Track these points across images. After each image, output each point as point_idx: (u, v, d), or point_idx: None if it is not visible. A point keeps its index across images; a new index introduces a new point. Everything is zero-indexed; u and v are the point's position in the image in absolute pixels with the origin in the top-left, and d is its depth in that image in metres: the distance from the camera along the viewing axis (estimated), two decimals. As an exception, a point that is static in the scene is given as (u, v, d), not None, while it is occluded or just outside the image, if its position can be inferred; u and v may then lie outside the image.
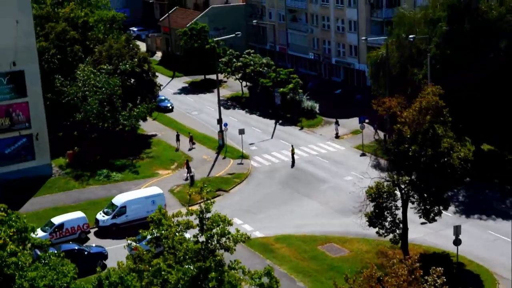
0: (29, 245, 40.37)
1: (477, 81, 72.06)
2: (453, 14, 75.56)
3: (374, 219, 54.88)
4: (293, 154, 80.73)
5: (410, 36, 77.79)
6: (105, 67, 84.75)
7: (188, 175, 76.88)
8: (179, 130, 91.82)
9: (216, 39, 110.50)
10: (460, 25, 74.85)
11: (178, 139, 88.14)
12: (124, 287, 38.00)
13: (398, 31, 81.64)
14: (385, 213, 54.82)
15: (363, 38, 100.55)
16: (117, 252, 55.80)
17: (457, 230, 54.31)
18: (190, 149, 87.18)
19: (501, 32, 74.35)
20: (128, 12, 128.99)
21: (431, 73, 72.61)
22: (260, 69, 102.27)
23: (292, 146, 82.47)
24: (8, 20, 72.62)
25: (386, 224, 55.00)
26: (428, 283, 35.10)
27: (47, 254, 40.13)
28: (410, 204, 56.09)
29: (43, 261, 38.90)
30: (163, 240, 40.14)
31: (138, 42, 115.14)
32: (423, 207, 55.11)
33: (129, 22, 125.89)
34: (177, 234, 39.83)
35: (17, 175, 74.39)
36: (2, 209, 40.97)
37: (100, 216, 65.78)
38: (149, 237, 40.82)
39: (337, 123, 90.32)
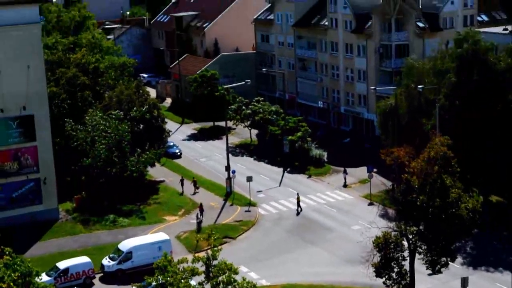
0: (33, 288, 40.18)
1: (486, 132, 72.15)
2: (462, 65, 75.88)
3: (381, 270, 54.39)
4: (298, 202, 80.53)
5: (419, 86, 77.81)
6: (115, 112, 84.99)
7: (201, 217, 76.98)
8: (183, 174, 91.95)
9: (226, 86, 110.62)
10: (468, 76, 75.09)
11: (182, 184, 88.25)
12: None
13: (407, 81, 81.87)
14: (392, 263, 54.39)
15: (372, 87, 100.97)
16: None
17: (464, 282, 54.03)
18: (193, 194, 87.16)
19: (509, 84, 74.57)
20: (139, 58, 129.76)
21: (439, 123, 72.60)
22: (269, 117, 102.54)
23: (297, 194, 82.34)
24: (20, 65, 73.21)
25: (393, 274, 54.47)
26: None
27: (52, 299, 40.00)
28: (417, 255, 55.84)
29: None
30: (169, 286, 39.94)
31: (148, 88, 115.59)
32: (430, 258, 54.82)
33: (139, 68, 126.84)
34: (182, 281, 39.64)
35: (24, 219, 74.17)
36: (7, 252, 40.85)
37: (105, 261, 65.36)
38: (154, 283, 40.61)
39: (345, 172, 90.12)
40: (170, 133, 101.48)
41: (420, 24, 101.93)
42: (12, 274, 39.36)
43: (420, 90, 77.71)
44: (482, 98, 73.82)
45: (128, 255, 64.86)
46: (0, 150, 73.94)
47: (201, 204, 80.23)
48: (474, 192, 58.77)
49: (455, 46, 79.13)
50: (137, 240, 67.23)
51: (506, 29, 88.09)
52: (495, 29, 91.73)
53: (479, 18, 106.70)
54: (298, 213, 79.38)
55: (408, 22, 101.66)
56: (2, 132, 73.68)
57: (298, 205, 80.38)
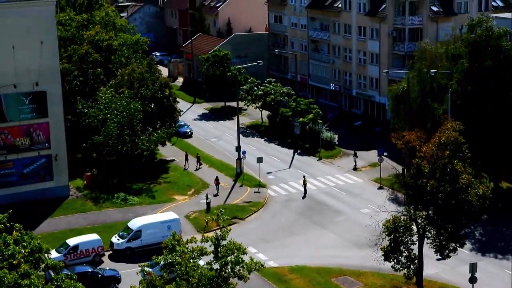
0: (42, 266, 40.25)
1: (498, 118, 71.91)
2: (475, 50, 75.63)
3: (389, 253, 54.56)
4: (305, 185, 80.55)
5: (432, 70, 77.58)
6: (127, 91, 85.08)
7: (217, 191, 79.50)
8: (188, 150, 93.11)
9: (238, 66, 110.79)
10: (481, 61, 74.82)
11: (186, 159, 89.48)
12: (135, 312, 37.90)
13: (420, 65, 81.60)
14: (401, 247, 54.56)
15: (385, 71, 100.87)
16: (130, 276, 55.53)
17: (473, 268, 53.82)
18: (196, 169, 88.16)
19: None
20: (152, 37, 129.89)
21: (451, 109, 72.42)
22: (281, 99, 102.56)
23: (304, 177, 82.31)
24: (34, 41, 73.25)
25: (402, 258, 54.64)
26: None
27: (60, 276, 40.05)
28: (426, 240, 55.83)
29: (55, 283, 38.81)
30: (176, 266, 40.00)
31: (160, 67, 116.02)
32: (438, 243, 54.86)
33: (152, 46, 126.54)
34: (190, 260, 39.69)
35: (35, 195, 74.57)
36: (17, 228, 40.98)
37: (115, 239, 65.58)
38: (162, 263, 40.70)
39: (355, 155, 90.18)
40: (181, 113, 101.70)
41: (434, 8, 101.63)
42: (23, 251, 39.51)
43: (433, 74, 77.49)
44: (495, 84, 73.65)
45: (138, 233, 65.03)
46: (12, 125, 74.16)
47: (217, 177, 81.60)
48: (484, 178, 58.90)
49: (468, 31, 78.80)
50: (147, 219, 67.41)
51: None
52: (510, 14, 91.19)
53: (494, 3, 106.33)
54: (304, 197, 79.38)
55: (422, 6, 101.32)
56: (14, 108, 73.88)
57: (305, 188, 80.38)
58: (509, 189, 77.24)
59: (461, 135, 55.07)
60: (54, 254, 55.99)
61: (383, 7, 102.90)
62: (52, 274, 40.48)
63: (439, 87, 77.40)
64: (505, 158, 72.50)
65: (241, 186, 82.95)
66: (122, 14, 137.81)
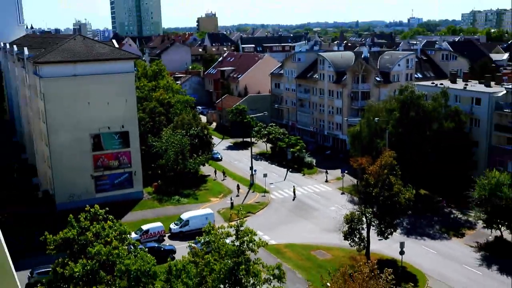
0: (126, 242, 40.87)
1: (417, 149, 72.52)
2: (403, 106, 76.49)
3: (347, 236, 55.34)
4: (294, 191, 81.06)
5: (376, 119, 78.44)
6: (180, 131, 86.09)
7: (238, 193, 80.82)
8: (216, 168, 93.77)
9: (251, 116, 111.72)
10: (407, 113, 75.57)
11: (215, 173, 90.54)
12: (185, 272, 38.32)
13: (368, 115, 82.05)
14: (355, 232, 55.24)
15: (345, 118, 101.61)
16: (182, 250, 56.16)
17: (402, 245, 54.34)
18: (222, 180, 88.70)
19: (434, 119, 74.94)
20: (196, 97, 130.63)
21: (388, 143, 72.95)
22: (278, 136, 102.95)
23: (293, 186, 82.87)
24: (121, 99, 74.54)
25: (356, 239, 55.37)
26: (382, 279, 35.06)
27: (137, 249, 40.67)
28: (371, 227, 56.26)
29: (134, 253, 39.41)
30: (211, 243, 40.52)
31: (202, 116, 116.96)
32: (380, 229, 55.38)
33: (196, 103, 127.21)
34: (220, 240, 40.22)
35: (121, 197, 75.28)
36: (110, 218, 41.68)
37: (172, 226, 66.59)
38: (202, 241, 41.22)
39: (326, 172, 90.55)
40: (215, 145, 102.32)
41: (378, 79, 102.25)
42: (114, 232, 40.20)
43: (376, 121, 78.21)
44: (416, 128, 74.36)
45: (187, 222, 65.90)
46: (107, 153, 75.11)
47: (238, 185, 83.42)
48: (409, 187, 59.20)
49: (399, 94, 79.62)
50: (192, 213, 68.04)
51: (433, 83, 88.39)
52: (426, 83, 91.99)
53: (415, 76, 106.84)
54: (294, 199, 79.57)
55: (369, 77, 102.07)
56: (109, 141, 74.90)
57: (294, 193, 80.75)
58: (425, 194, 77.38)
59: (394, 160, 55.86)
60: (133, 235, 56.78)
61: (344, 77, 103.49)
62: (132, 248, 41.14)
63: (380, 129, 77.87)
64: (422, 174, 73.07)
65: (253, 192, 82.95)
66: (177, 82, 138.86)
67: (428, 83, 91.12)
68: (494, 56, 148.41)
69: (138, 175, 77.90)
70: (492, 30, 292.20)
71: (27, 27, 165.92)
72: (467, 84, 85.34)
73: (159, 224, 65.48)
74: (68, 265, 37.59)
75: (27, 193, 79.28)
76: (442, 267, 56.46)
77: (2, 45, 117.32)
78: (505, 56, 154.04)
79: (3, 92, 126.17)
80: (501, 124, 76.02)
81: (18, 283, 4.32)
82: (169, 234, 65.87)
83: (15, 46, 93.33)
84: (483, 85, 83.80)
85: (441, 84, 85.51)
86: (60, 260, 39.19)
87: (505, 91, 76.65)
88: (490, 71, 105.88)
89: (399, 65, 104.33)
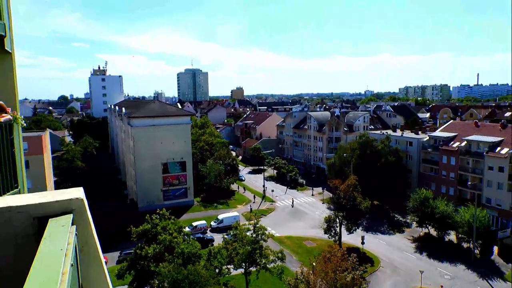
0: (182, 234, 40.22)
1: (372, 175, 71.17)
2: (362, 146, 75.56)
3: (326, 231, 53.65)
4: (293, 201, 79.44)
5: (344, 154, 77.44)
6: (218, 161, 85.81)
7: (254, 201, 79.85)
8: (243, 186, 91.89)
9: (264, 152, 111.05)
10: (365, 151, 74.59)
11: (240, 188, 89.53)
12: (220, 254, 37.41)
13: (339, 152, 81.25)
14: (331, 228, 53.58)
15: (325, 154, 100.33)
16: (219, 239, 55.12)
17: (363, 238, 52.69)
18: (243, 192, 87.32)
19: (382, 155, 73.85)
20: (229, 139, 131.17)
21: (353, 171, 71.75)
22: (281, 165, 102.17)
23: (292, 198, 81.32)
24: (181, 140, 74.81)
25: (332, 233, 53.63)
26: (350, 260, 33.85)
27: (189, 238, 39.92)
28: (342, 225, 54.71)
29: (188, 241, 38.66)
30: (237, 235, 39.67)
31: (232, 152, 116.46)
32: (348, 227, 53.77)
33: (229, 143, 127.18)
34: (243, 233, 39.38)
35: (180, 204, 74.57)
36: (172, 218, 41.12)
37: (212, 223, 65.34)
38: (232, 233, 40.41)
39: (312, 189, 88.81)
40: (240, 170, 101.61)
41: (345, 129, 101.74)
42: (174, 227, 39.59)
43: (345, 156, 77.23)
44: (371, 160, 73.19)
45: (222, 221, 64.70)
46: (171, 175, 74.89)
47: (254, 196, 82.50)
48: (366, 199, 57.88)
49: (359, 138, 78.83)
50: (225, 215, 66.82)
51: (381, 132, 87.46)
52: (376, 132, 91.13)
53: (370, 127, 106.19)
54: (292, 206, 78.01)
55: (340, 128, 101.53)
56: (173, 167, 74.80)
57: (292, 203, 79.17)
58: (377, 204, 75.52)
59: (356, 181, 54.75)
60: (187, 229, 55.95)
61: (324, 128, 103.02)
62: (186, 237, 40.48)
63: (347, 161, 76.97)
64: (375, 191, 71.45)
65: (264, 201, 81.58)
66: (217, 130, 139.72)
67: (378, 132, 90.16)
68: (420, 115, 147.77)
69: (191, 189, 77.23)
70: (419, 98, 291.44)
71: (125, 95, 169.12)
72: (403, 132, 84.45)
73: (203, 222, 64.39)
74: (144, 248, 36.96)
75: (121, 199, 79.20)
76: (389, 253, 54.57)
77: (110, 106, 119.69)
78: (427, 115, 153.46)
79: (109, 135, 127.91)
80: (426, 158, 74.68)
81: (105, 268, 3.84)
82: (210, 228, 64.79)
83: (117, 107, 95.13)
84: (413, 133, 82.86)
85: (386, 132, 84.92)
86: (139, 245, 38.62)
87: (428, 137, 75.63)
88: (418, 124, 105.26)
89: (359, 120, 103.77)
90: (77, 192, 3.79)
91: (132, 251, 40.24)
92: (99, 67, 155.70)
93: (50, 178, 46.44)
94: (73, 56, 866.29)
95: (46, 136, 49.44)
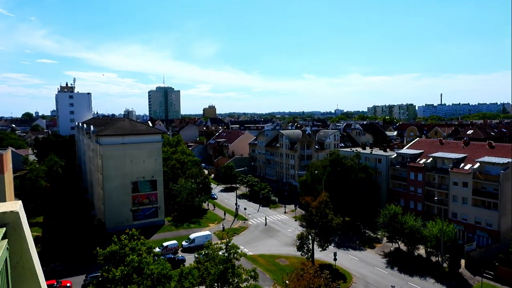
0: (152, 254, 38.97)
1: (343, 191, 72.02)
2: (333, 163, 76.59)
3: (299, 248, 53.42)
4: (266, 219, 78.96)
5: (316, 171, 78.23)
6: (190, 180, 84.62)
7: (224, 218, 77.68)
8: (214, 204, 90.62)
9: (237, 170, 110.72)
10: (335, 168, 75.70)
11: (213, 206, 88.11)
12: (191, 275, 36.46)
13: (311, 169, 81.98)
14: (304, 245, 53.43)
15: (297, 171, 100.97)
16: (190, 259, 53.82)
17: (335, 254, 52.80)
18: (213, 209, 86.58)
19: (352, 171, 75.07)
20: (201, 157, 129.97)
21: (324, 187, 72.42)
22: (254, 183, 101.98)
23: (265, 216, 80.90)
24: (152, 159, 73.51)
25: (304, 250, 53.43)
26: (322, 277, 33.80)
27: (159, 259, 38.71)
28: (315, 242, 54.77)
29: (157, 262, 37.47)
30: (209, 254, 38.86)
31: (205, 170, 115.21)
32: (320, 243, 53.80)
33: (201, 161, 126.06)
34: (215, 252, 38.62)
35: (149, 224, 72.78)
36: (141, 238, 39.85)
37: (184, 242, 63.78)
38: (203, 253, 39.54)
39: (285, 206, 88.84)
40: (212, 189, 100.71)
41: (316, 147, 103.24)
42: (143, 247, 38.34)
43: (316, 173, 78.03)
44: (341, 177, 74.22)
45: (193, 240, 63.42)
46: (141, 194, 73.12)
47: (224, 212, 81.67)
48: (338, 216, 58.34)
49: (329, 156, 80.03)
50: (197, 234, 65.49)
51: (351, 149, 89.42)
52: (346, 149, 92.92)
53: (340, 145, 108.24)
54: (265, 224, 77.54)
55: (311, 146, 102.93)
56: (143, 186, 73.13)
57: (265, 220, 78.71)
58: (349, 220, 76.23)
59: (328, 198, 55.20)
60: (157, 249, 54.37)
61: (296, 146, 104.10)
62: (156, 258, 39.20)
63: (319, 178, 77.80)
64: (346, 207, 72.21)
65: (237, 220, 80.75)
66: (189, 148, 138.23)
67: (348, 149, 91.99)
68: (388, 133, 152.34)
69: (162, 209, 75.52)
70: (386, 117, 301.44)
71: (94, 113, 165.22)
72: (372, 150, 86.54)
73: (174, 242, 62.82)
74: (111, 271, 35.49)
75: (87, 221, 76.23)
76: (361, 269, 54.93)
77: (78, 124, 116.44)
78: (395, 133, 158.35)
79: (76, 154, 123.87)
80: (394, 174, 76.56)
81: (44, 286, 3.55)
82: (181, 248, 63.26)
83: (85, 125, 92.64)
84: (382, 150, 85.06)
85: (356, 150, 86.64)
86: (106, 267, 37.08)
87: (395, 154, 77.81)
88: (386, 142, 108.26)
89: (329, 138, 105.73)
90: (13, 205, 3.57)
91: (99, 274, 38.54)
92: (66, 84, 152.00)
93: (11, 199, 44.19)
94: (39, 72, 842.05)
95: (7, 154, 47.20)
